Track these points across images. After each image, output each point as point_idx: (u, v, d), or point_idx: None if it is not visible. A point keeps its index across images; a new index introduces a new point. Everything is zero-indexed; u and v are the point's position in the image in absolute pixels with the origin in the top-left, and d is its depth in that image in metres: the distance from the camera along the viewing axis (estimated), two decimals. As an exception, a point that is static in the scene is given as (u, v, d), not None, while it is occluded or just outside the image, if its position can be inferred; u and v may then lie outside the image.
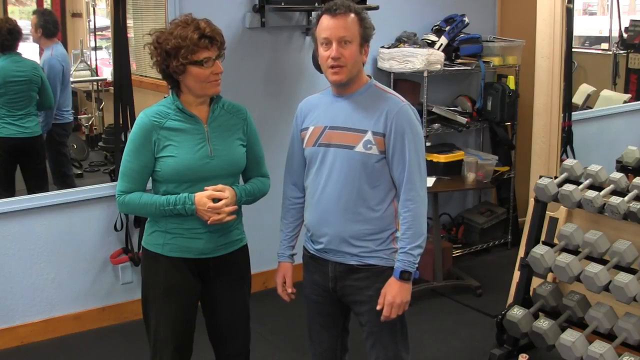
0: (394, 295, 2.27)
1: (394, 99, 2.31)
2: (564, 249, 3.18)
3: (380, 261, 2.33)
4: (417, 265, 2.29)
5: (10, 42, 3.93)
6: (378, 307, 2.29)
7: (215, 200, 2.28)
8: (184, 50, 2.22)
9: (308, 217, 2.41)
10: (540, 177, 3.38)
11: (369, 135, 2.26)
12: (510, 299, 3.62)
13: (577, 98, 5.35)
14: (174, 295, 2.38)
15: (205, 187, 2.29)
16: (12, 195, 3.82)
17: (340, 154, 2.28)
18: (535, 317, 3.23)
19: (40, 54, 4.35)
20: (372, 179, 2.29)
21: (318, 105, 2.38)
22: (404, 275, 2.27)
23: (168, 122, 2.30)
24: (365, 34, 2.27)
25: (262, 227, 3.52)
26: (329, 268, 2.38)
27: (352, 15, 2.24)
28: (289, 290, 2.49)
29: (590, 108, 5.54)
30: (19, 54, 3.99)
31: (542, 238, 3.43)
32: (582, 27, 6.61)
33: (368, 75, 2.37)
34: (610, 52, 6.07)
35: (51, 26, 4.30)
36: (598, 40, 6.54)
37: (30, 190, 3.96)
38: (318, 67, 3.66)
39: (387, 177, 2.31)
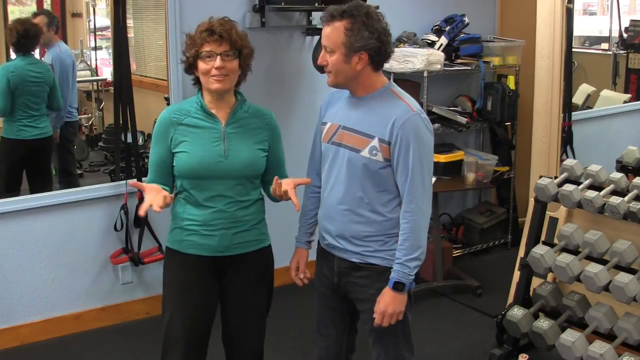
0: (386, 304, 2.27)
1: (405, 107, 2.24)
2: (564, 249, 3.18)
3: (382, 261, 2.33)
4: (412, 277, 2.28)
5: (29, 44, 3.99)
6: (374, 316, 2.30)
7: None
8: (193, 43, 2.29)
9: (319, 212, 2.45)
10: (540, 177, 3.38)
11: (375, 142, 2.25)
12: (510, 299, 3.62)
13: (577, 98, 5.35)
14: (189, 293, 2.39)
15: (278, 180, 2.27)
16: (17, 196, 3.82)
17: (348, 155, 2.29)
18: (535, 317, 3.23)
19: (41, 54, 4.36)
20: (377, 184, 2.29)
21: (339, 101, 2.39)
22: (397, 286, 2.26)
23: (187, 119, 2.34)
24: (350, 43, 2.16)
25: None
26: (335, 263, 2.40)
27: (337, 23, 2.18)
28: (301, 275, 2.50)
29: (590, 108, 5.55)
30: (33, 55, 4.04)
31: (542, 238, 3.43)
32: (582, 27, 6.61)
33: (388, 77, 2.36)
34: (610, 52, 6.08)
35: (56, 25, 4.39)
36: (598, 40, 6.55)
37: (35, 190, 3.94)
38: (318, 67, 3.69)
39: (393, 183, 2.29)
